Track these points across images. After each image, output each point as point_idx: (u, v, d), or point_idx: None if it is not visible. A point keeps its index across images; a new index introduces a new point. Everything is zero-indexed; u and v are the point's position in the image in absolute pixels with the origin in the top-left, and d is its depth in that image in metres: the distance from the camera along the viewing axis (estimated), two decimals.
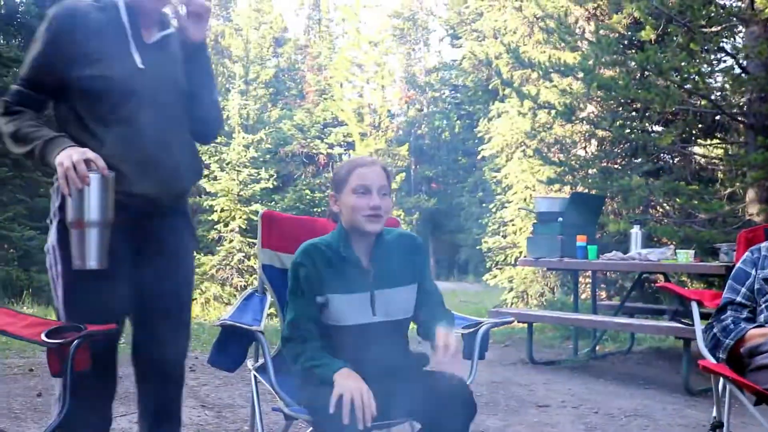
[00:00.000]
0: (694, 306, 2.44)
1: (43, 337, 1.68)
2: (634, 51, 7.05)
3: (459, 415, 1.76)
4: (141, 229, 1.80)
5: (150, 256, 1.82)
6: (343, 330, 1.88)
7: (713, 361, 2.22)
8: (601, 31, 6.99)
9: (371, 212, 1.86)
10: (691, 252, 4.43)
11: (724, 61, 7.01)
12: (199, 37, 1.83)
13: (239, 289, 15.00)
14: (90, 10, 1.75)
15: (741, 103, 6.36)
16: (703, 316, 2.55)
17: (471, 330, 2.09)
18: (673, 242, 5.79)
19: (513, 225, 12.22)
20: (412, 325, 2.04)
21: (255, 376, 2.13)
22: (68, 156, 1.58)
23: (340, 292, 1.87)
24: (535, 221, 5.38)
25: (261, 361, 2.16)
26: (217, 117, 2.01)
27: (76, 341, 1.62)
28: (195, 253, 2.05)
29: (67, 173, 1.57)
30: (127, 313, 1.86)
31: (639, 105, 6.87)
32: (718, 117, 6.89)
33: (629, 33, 7.33)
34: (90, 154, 1.60)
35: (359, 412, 1.65)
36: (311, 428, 2.00)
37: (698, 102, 6.48)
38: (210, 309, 13.74)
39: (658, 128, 7.52)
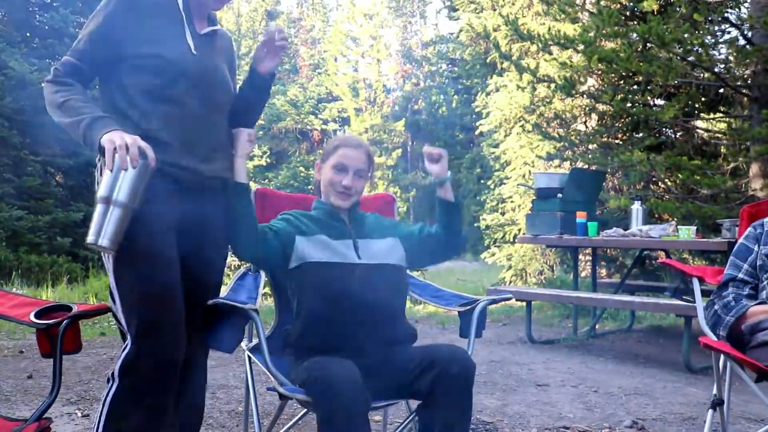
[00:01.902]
0: (696, 283, 2.42)
1: (31, 317, 1.69)
2: (636, 22, 6.91)
3: (459, 379, 1.78)
4: (186, 204, 1.84)
5: (195, 229, 1.87)
6: (333, 267, 1.96)
7: (714, 338, 2.20)
8: (602, 2, 6.85)
9: (342, 189, 2.05)
10: (693, 228, 4.38)
11: (729, 32, 6.89)
12: (269, 69, 2.01)
13: (233, 268, 14.96)
14: None
15: (745, 76, 6.25)
16: (705, 293, 2.51)
17: (468, 308, 2.11)
18: (675, 218, 5.71)
19: (512, 202, 12.14)
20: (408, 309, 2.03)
21: (249, 357, 2.10)
22: (121, 137, 1.64)
23: (325, 234, 2.03)
24: (534, 198, 5.31)
25: (255, 341, 2.14)
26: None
27: (65, 322, 1.61)
28: None
29: (118, 151, 1.62)
30: (177, 283, 1.85)
31: (641, 78, 6.74)
32: (721, 90, 6.78)
33: (631, 4, 7.18)
34: (141, 142, 1.66)
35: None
36: (305, 409, 1.96)
37: (701, 75, 6.37)
38: None
39: (660, 102, 7.41)
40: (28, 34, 11.62)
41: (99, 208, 1.64)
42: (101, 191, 1.64)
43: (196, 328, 1.91)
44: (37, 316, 1.71)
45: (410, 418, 1.93)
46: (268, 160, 18.16)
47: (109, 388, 1.78)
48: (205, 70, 1.88)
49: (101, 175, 1.71)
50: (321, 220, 2.07)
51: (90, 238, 1.64)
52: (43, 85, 1.83)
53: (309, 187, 19.19)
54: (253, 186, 2.05)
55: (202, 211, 1.89)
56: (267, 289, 2.35)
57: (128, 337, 1.78)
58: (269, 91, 2.12)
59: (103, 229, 1.63)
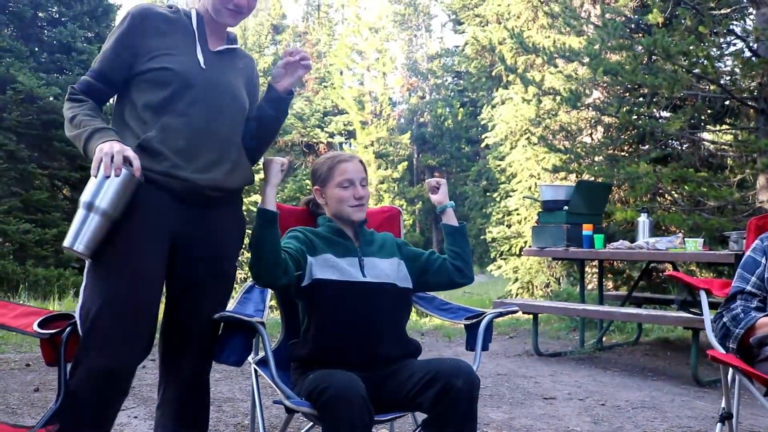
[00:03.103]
0: (703, 295, 2.41)
1: (35, 327, 1.73)
2: (641, 35, 6.92)
3: (463, 393, 1.77)
4: (184, 217, 1.83)
5: (190, 246, 1.86)
6: (339, 286, 1.96)
7: (722, 351, 2.18)
8: (607, 15, 6.87)
9: (357, 202, 2.07)
10: (700, 240, 4.35)
11: (734, 45, 6.90)
12: (286, 86, 2.00)
13: (239, 282, 14.98)
14: (164, 13, 1.90)
15: (751, 88, 6.25)
16: (713, 306, 2.50)
17: (474, 321, 2.11)
18: (682, 230, 5.70)
19: (518, 214, 12.14)
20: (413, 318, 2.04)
21: (255, 370, 2.11)
22: (110, 145, 1.66)
23: (332, 252, 2.02)
24: (541, 210, 5.30)
25: (261, 354, 2.12)
26: (264, 150, 2.12)
27: (67, 330, 1.67)
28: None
29: (103, 158, 1.63)
30: (159, 297, 1.85)
31: (646, 90, 6.76)
32: (727, 102, 6.78)
33: (636, 16, 7.22)
34: (130, 152, 1.67)
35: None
36: (311, 422, 1.96)
37: (707, 87, 6.37)
38: None
39: (665, 114, 7.41)
40: (36, 49, 11.73)
41: (80, 213, 1.66)
42: (84, 196, 1.66)
43: (195, 346, 1.90)
44: (40, 325, 1.74)
45: (416, 431, 1.92)
46: None
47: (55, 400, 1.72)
48: (214, 83, 1.88)
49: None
50: (328, 238, 2.07)
51: (67, 242, 1.66)
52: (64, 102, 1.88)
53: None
54: (259, 199, 2.03)
55: (201, 222, 1.86)
56: (273, 302, 2.35)
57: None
58: (286, 111, 2.10)
59: (81, 234, 1.65)
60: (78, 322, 1.74)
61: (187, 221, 1.84)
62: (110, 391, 1.73)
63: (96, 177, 1.64)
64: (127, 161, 1.65)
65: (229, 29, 2.01)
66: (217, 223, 1.90)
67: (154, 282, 1.79)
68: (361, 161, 2.15)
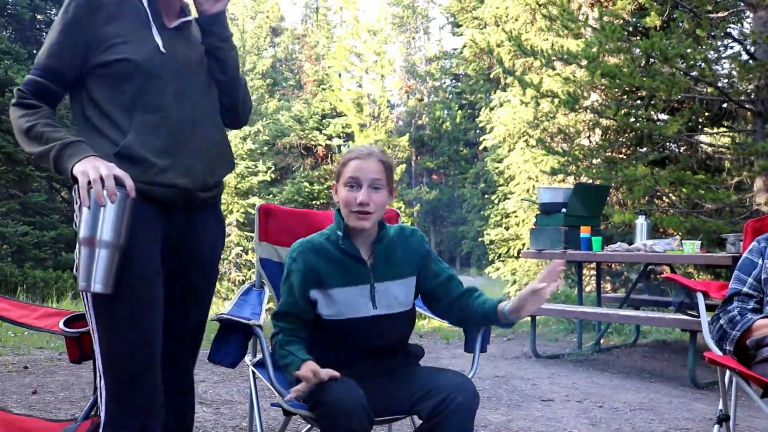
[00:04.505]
0: (700, 297, 2.41)
1: (61, 326, 1.79)
2: (638, 37, 6.94)
3: (462, 409, 1.73)
4: (170, 223, 1.71)
5: (177, 252, 1.75)
6: (343, 324, 1.85)
7: (719, 353, 2.18)
8: (605, 18, 6.88)
9: (358, 208, 1.80)
10: (698, 243, 4.37)
11: (731, 47, 6.92)
12: (212, 9, 1.77)
13: (237, 284, 14.98)
14: None
15: (749, 90, 6.27)
16: (710, 308, 2.50)
17: None
18: (679, 233, 5.72)
19: (516, 216, 12.16)
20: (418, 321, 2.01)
21: (253, 372, 2.09)
22: (95, 168, 1.49)
23: (340, 285, 1.84)
24: (538, 212, 5.31)
25: (259, 356, 2.12)
26: (246, 98, 1.93)
27: (84, 329, 1.74)
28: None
29: (93, 185, 1.47)
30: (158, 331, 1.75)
31: (644, 93, 6.78)
32: (725, 104, 6.80)
33: (634, 19, 7.24)
34: (117, 170, 1.51)
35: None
36: (310, 425, 1.95)
37: (705, 89, 6.39)
38: None
39: (663, 116, 7.43)
40: (35, 51, 11.74)
41: (84, 251, 1.50)
42: (82, 232, 1.50)
43: (184, 349, 1.85)
44: (65, 325, 1.81)
45: None
46: (273, 175, 18.20)
47: None
48: (178, 67, 1.71)
49: (79, 209, 1.55)
50: (337, 261, 1.86)
51: (81, 284, 1.52)
52: (9, 108, 1.67)
53: (313, 202, 19.20)
54: (258, 202, 1.98)
55: (187, 227, 1.76)
56: (271, 304, 2.35)
57: (101, 387, 1.66)
58: (225, 35, 1.82)
59: (93, 272, 1.50)
60: (101, 364, 1.65)
61: (174, 228, 1.73)
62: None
63: (89, 208, 1.48)
64: (118, 181, 1.50)
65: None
66: (202, 227, 1.80)
67: (158, 308, 1.70)
68: (382, 160, 1.86)
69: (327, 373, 1.66)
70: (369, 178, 1.81)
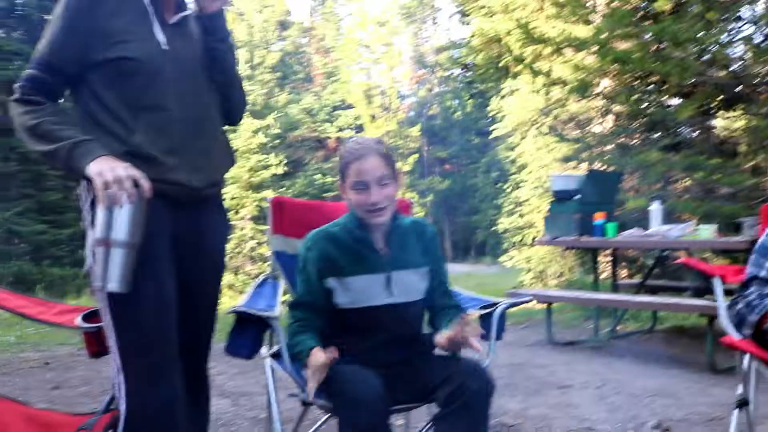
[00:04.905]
0: (717, 282, 2.39)
1: (80, 321, 1.80)
2: (649, 22, 6.86)
3: (478, 395, 1.75)
4: (178, 219, 1.72)
5: (186, 248, 1.75)
6: (360, 312, 1.88)
7: (737, 337, 2.17)
8: (615, 3, 6.81)
9: (371, 208, 1.84)
10: (714, 227, 4.33)
11: (744, 30, 6.82)
12: (210, 7, 1.75)
13: (252, 276, 15.05)
14: None
15: (762, 73, 6.18)
16: (727, 293, 2.48)
17: (487, 311, 2.09)
18: (695, 217, 5.67)
19: (529, 204, 12.12)
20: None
21: (270, 363, 2.10)
22: (111, 168, 1.49)
23: (356, 273, 1.88)
24: (552, 200, 5.29)
25: (276, 347, 2.14)
26: (241, 98, 1.94)
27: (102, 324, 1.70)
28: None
29: (110, 187, 1.47)
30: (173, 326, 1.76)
31: (656, 78, 6.69)
32: (738, 88, 6.70)
33: (644, 4, 7.14)
34: (134, 171, 1.51)
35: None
36: (328, 414, 1.99)
37: (718, 73, 6.31)
38: (224, 298, 13.82)
39: (676, 101, 7.34)
40: None
41: (99, 252, 1.51)
42: (97, 233, 1.50)
43: (195, 344, 1.86)
44: (83, 320, 1.81)
45: (426, 426, 1.91)
46: (285, 168, 18.23)
47: None
48: (180, 64, 1.70)
49: (89, 205, 1.57)
50: (353, 251, 1.90)
51: (97, 284, 1.53)
52: (9, 104, 1.65)
53: (325, 194, 19.24)
54: (270, 195, 1.99)
55: (195, 222, 1.77)
56: (287, 296, 2.36)
57: (119, 382, 1.66)
58: (225, 31, 1.81)
59: (109, 274, 1.51)
60: (119, 361, 1.65)
61: (182, 223, 1.73)
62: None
63: (106, 209, 1.49)
64: (135, 182, 1.50)
65: None
66: (207, 220, 1.82)
67: (171, 307, 1.71)
68: (382, 154, 1.87)
69: (328, 357, 1.69)
70: (375, 176, 1.84)
